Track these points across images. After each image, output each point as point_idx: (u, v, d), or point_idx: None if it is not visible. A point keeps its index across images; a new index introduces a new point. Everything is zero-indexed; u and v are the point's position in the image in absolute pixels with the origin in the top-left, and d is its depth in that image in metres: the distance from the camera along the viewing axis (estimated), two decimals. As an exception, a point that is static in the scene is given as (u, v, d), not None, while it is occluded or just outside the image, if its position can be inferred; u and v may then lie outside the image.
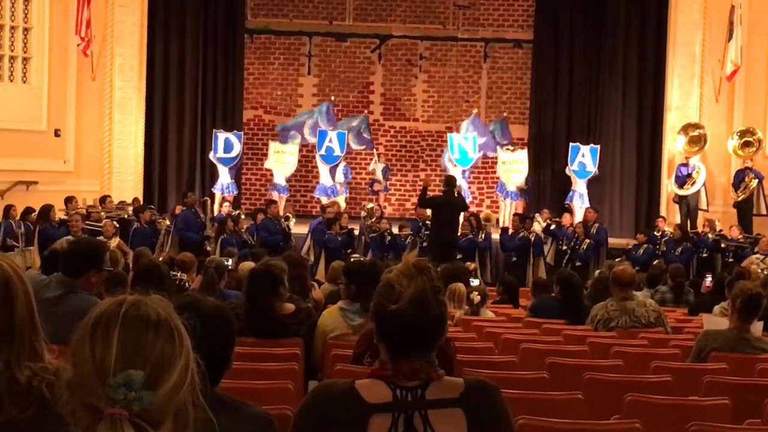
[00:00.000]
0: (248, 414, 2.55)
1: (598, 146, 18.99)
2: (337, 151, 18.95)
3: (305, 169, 20.36)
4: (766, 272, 13.49)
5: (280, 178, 19.29)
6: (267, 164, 19.84)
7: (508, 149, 19.54)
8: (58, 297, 4.95)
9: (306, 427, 2.36)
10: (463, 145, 19.07)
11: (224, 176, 18.94)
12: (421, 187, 16.19)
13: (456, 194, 15.83)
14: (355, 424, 2.28)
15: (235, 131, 19.23)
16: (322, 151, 19.01)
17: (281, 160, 19.34)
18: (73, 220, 14.65)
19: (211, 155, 19.06)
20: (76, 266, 5.21)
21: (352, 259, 10.74)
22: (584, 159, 18.77)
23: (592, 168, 18.78)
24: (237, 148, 18.96)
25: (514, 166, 19.17)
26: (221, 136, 18.92)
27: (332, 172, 19.01)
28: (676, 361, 6.14)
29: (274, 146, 19.62)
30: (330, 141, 18.95)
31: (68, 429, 1.63)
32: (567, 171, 18.95)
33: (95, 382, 1.60)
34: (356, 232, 16.66)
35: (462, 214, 16.37)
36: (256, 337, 5.64)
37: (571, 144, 19.02)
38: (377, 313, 2.41)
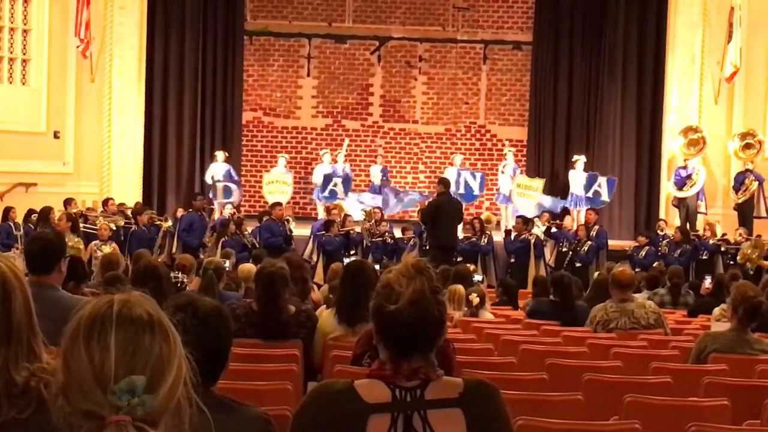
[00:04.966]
0: (247, 414, 2.55)
1: (616, 178, 18.80)
2: (341, 195, 18.49)
3: (305, 171, 20.28)
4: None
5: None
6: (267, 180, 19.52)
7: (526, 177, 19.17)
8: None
9: (305, 427, 2.35)
10: (470, 181, 18.87)
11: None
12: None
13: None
14: (354, 424, 2.28)
15: (232, 182, 18.64)
16: (326, 193, 18.43)
17: (276, 190, 18.85)
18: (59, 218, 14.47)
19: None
20: (47, 262, 4.71)
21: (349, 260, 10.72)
22: (600, 188, 18.44)
23: (606, 198, 18.49)
24: (235, 196, 18.47)
25: (527, 191, 18.68)
26: (219, 186, 18.36)
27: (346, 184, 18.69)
28: (676, 362, 6.14)
29: (267, 176, 19.31)
30: (335, 186, 18.42)
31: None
32: (583, 194, 18.52)
33: (95, 388, 1.57)
34: (359, 233, 16.61)
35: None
36: (261, 339, 5.62)
37: (589, 173, 18.65)
38: (377, 314, 2.40)
